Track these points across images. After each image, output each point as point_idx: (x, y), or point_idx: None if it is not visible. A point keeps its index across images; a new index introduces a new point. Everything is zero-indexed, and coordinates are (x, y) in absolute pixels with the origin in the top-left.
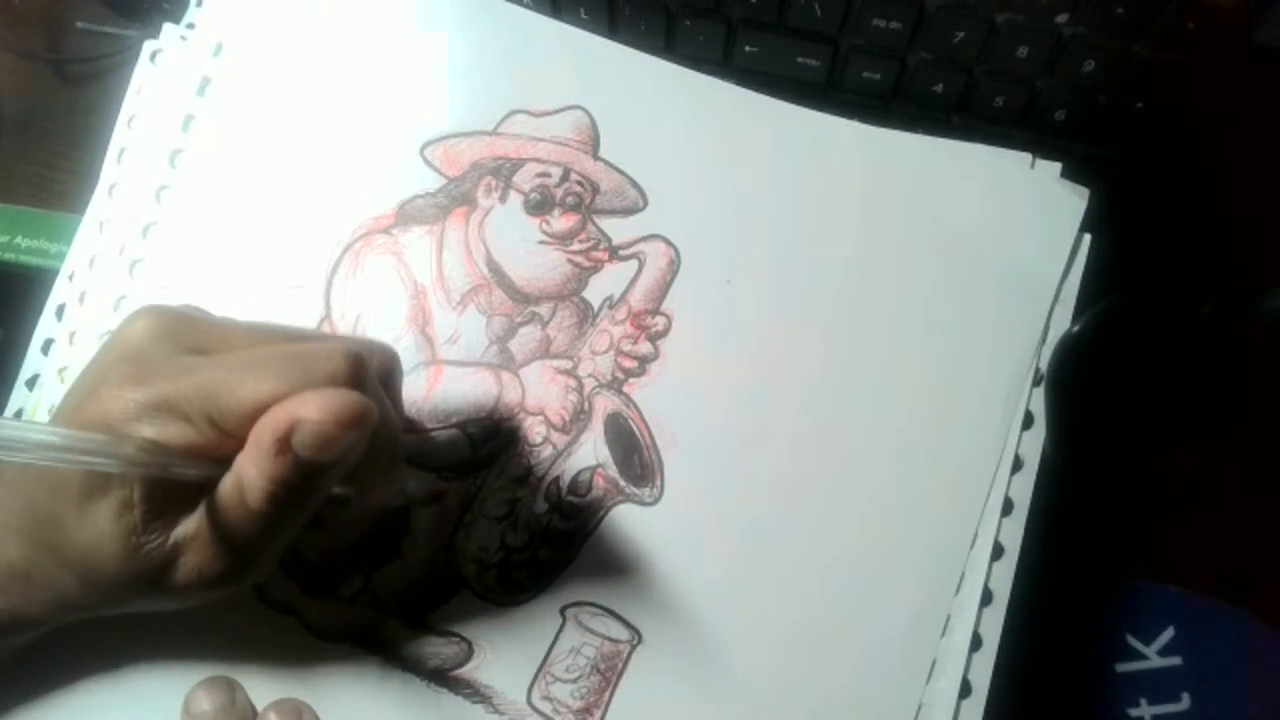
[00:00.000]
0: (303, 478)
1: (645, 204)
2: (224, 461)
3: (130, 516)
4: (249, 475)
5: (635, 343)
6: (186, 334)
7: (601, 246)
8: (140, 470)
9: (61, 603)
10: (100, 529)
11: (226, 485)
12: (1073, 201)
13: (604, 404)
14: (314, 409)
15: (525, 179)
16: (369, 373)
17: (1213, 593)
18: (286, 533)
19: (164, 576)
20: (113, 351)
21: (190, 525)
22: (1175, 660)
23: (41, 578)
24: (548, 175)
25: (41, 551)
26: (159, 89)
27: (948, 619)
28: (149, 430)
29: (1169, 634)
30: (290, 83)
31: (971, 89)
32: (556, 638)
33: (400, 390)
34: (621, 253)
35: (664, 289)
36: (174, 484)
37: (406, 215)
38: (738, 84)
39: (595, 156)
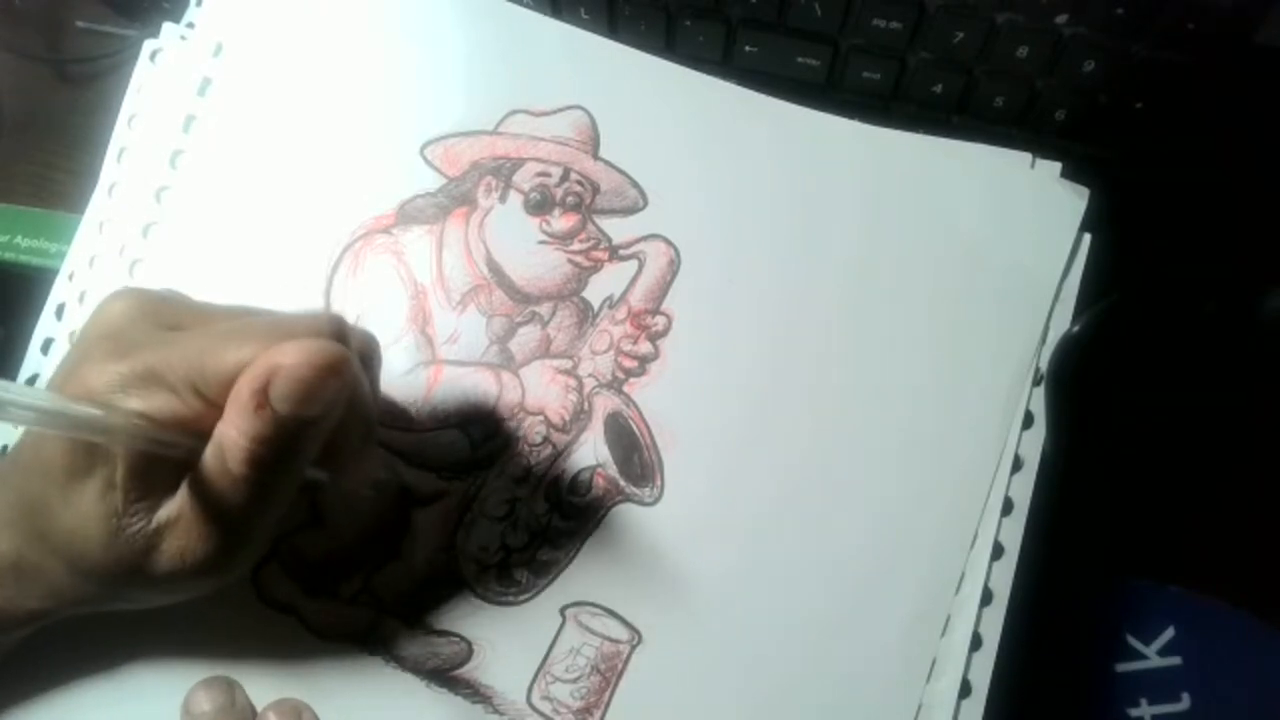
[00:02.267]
0: (283, 434)
1: (645, 204)
2: (208, 436)
3: (113, 496)
4: (229, 437)
5: (635, 342)
6: (165, 313)
7: (601, 246)
8: (125, 441)
9: (52, 594)
10: (84, 510)
11: (208, 455)
12: (1073, 201)
13: (604, 404)
14: (290, 354)
15: (525, 179)
16: (349, 339)
17: (1213, 593)
18: (269, 508)
19: (148, 561)
20: (92, 331)
21: (173, 507)
22: (1175, 660)
23: (31, 568)
24: (548, 175)
25: (30, 541)
26: (159, 89)
27: (948, 619)
28: (134, 402)
29: (1169, 634)
30: (290, 83)
31: (971, 89)
32: (556, 638)
33: (378, 376)
34: (621, 252)
35: (664, 289)
36: (157, 465)
37: (407, 215)
38: (738, 84)
39: (595, 156)
